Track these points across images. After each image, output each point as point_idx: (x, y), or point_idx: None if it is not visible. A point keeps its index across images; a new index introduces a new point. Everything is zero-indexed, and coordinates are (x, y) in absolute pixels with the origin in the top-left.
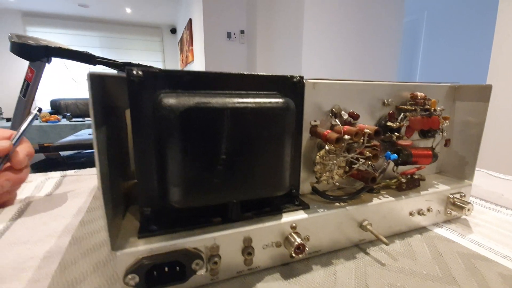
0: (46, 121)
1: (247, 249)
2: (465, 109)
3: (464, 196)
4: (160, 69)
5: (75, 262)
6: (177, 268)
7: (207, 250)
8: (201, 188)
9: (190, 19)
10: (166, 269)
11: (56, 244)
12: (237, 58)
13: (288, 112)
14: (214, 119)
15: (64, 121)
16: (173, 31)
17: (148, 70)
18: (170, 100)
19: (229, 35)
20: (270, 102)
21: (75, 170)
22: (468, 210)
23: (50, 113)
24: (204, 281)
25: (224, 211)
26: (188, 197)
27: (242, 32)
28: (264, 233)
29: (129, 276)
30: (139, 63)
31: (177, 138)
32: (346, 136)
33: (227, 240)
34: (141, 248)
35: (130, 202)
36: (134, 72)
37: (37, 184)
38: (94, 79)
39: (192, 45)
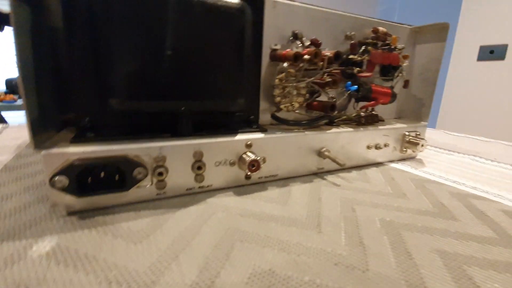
0: (1, 101)
1: (197, 163)
2: (424, 52)
3: (419, 134)
4: None
5: (3, 184)
6: (117, 176)
7: (151, 160)
8: (143, 86)
9: None
10: (102, 174)
11: None
12: None
13: (243, 15)
14: (155, 4)
15: (20, 101)
16: None
17: None
18: None
19: None
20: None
21: (19, 123)
22: (422, 145)
23: (5, 93)
24: (150, 195)
25: (175, 127)
26: (128, 97)
27: None
28: (217, 148)
29: (57, 178)
30: None
31: (113, 24)
32: (306, 56)
33: (175, 151)
34: (72, 150)
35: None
36: None
37: None
38: None
39: None
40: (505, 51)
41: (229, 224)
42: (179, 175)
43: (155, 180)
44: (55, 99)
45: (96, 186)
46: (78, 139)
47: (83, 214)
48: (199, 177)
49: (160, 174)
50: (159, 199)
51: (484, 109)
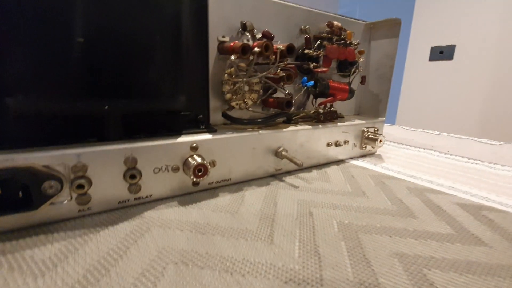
0: None
1: (130, 171)
2: (379, 48)
3: (378, 130)
4: None
5: None
6: (20, 192)
7: (68, 170)
8: (50, 82)
9: None
10: None
11: None
12: None
13: (179, 0)
14: None
15: None
16: None
17: None
18: None
19: None
20: None
21: None
22: (380, 141)
23: None
24: (70, 213)
25: (101, 131)
26: (32, 95)
27: None
28: (154, 153)
29: None
30: None
31: (9, 9)
32: (256, 49)
33: (99, 159)
34: None
35: None
36: None
37: None
38: None
39: None
40: (453, 51)
41: (164, 243)
42: (108, 187)
43: (74, 195)
44: None
45: None
46: None
47: None
48: (133, 187)
49: (80, 186)
50: (82, 217)
51: (437, 105)
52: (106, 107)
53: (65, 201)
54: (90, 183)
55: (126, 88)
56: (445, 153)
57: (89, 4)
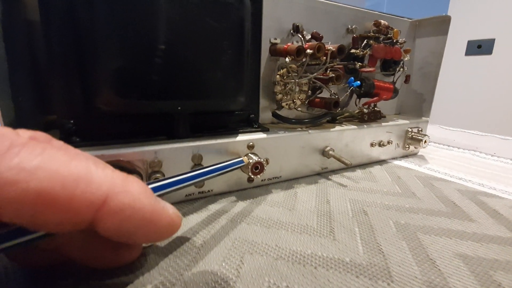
0: None
1: (196, 167)
2: (425, 45)
3: (421, 130)
4: None
5: None
6: None
7: (146, 165)
8: (134, 84)
9: None
10: None
11: None
12: None
13: (243, 5)
14: None
15: None
16: None
17: None
18: None
19: None
20: None
21: None
22: (425, 142)
23: None
24: None
25: (170, 129)
26: (118, 96)
27: None
28: (217, 150)
29: None
30: None
31: (97, 15)
32: (309, 50)
33: (172, 155)
34: None
35: None
36: None
37: None
38: None
39: None
40: (492, 45)
41: (236, 234)
42: None
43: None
44: (34, 100)
45: None
46: None
47: None
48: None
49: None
50: None
51: (474, 103)
52: (179, 107)
53: None
54: (163, 177)
55: (196, 90)
56: (492, 155)
57: (170, 17)
